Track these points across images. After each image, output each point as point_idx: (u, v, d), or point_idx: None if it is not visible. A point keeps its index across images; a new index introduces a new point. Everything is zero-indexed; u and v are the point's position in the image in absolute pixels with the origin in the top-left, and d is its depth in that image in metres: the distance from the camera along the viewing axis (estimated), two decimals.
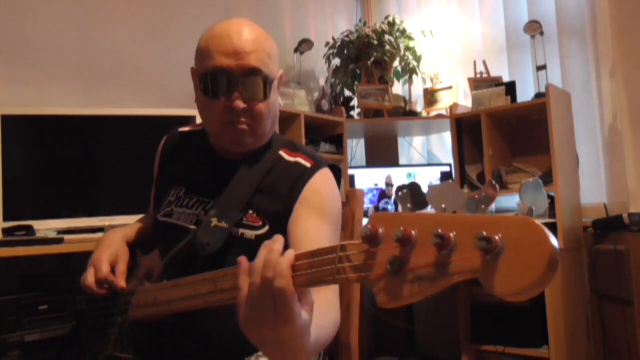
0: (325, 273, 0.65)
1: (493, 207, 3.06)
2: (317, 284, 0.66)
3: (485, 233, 0.49)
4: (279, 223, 1.06)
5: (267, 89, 1.06)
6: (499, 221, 0.49)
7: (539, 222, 0.48)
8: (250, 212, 1.07)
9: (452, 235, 0.51)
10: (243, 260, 0.72)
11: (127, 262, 1.14)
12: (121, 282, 1.08)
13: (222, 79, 1.03)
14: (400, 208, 0.61)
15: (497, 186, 0.56)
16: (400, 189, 0.61)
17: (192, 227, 1.09)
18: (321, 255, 0.66)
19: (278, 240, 0.71)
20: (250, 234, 1.05)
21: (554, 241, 0.47)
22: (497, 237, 0.49)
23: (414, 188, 0.60)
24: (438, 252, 0.52)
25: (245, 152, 1.12)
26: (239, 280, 0.70)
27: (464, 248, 0.51)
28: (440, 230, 0.51)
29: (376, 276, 0.58)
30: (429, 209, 0.59)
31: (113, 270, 1.10)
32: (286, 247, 1.02)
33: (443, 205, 0.56)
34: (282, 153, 1.15)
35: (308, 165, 1.11)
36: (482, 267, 0.49)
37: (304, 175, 1.09)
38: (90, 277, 1.07)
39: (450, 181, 0.58)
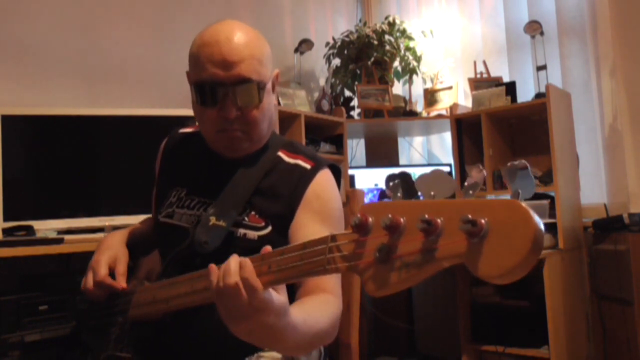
0: (315, 264, 0.66)
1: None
2: (308, 274, 0.67)
3: (470, 216, 0.49)
4: (281, 224, 1.07)
5: (260, 95, 1.05)
6: (485, 204, 0.49)
7: (524, 204, 0.47)
8: (253, 212, 1.07)
9: (439, 220, 0.51)
10: (213, 266, 0.76)
11: (127, 263, 1.15)
12: (121, 282, 1.09)
13: (214, 89, 1.03)
14: (391, 197, 0.61)
15: (483, 170, 0.56)
16: (391, 178, 0.62)
17: (193, 228, 1.09)
18: (312, 246, 0.67)
19: (233, 256, 0.75)
20: (252, 234, 1.06)
21: (539, 223, 0.47)
22: (482, 220, 0.49)
23: (404, 178, 0.60)
24: (425, 237, 0.52)
25: (243, 155, 1.13)
26: (211, 285, 0.75)
27: (451, 233, 0.51)
28: (426, 216, 0.51)
29: (365, 264, 0.58)
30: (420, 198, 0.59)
31: (112, 272, 1.11)
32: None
33: (432, 193, 0.56)
34: (281, 154, 1.15)
35: (308, 166, 1.12)
36: (467, 251, 0.49)
37: (304, 177, 1.10)
38: (89, 281, 1.09)
39: (439, 168, 0.59)
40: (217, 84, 1.02)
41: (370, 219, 0.58)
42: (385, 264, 0.55)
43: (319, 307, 0.92)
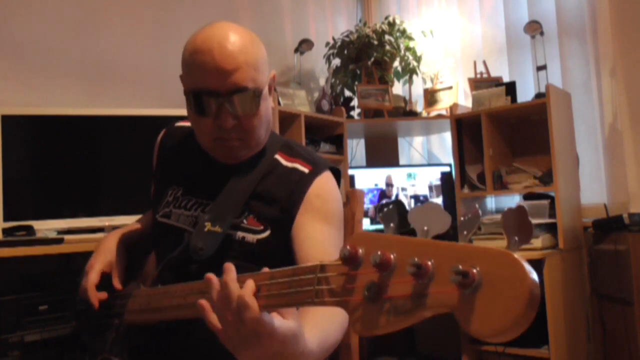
0: (304, 295, 0.64)
1: (493, 206, 3.06)
2: (297, 304, 0.65)
3: (461, 267, 0.47)
4: (279, 228, 1.06)
5: (256, 102, 1.02)
6: (478, 253, 0.48)
7: (518, 256, 0.46)
8: (252, 216, 1.06)
9: (429, 263, 0.50)
10: (204, 303, 0.72)
11: (124, 264, 1.15)
12: (117, 285, 1.10)
13: (208, 99, 1.00)
14: (384, 226, 0.60)
15: (480, 211, 0.55)
16: (384, 206, 0.60)
17: (190, 229, 1.08)
18: (301, 274, 0.65)
19: (229, 271, 0.71)
20: (251, 237, 1.05)
21: (534, 276, 0.45)
22: (474, 271, 0.47)
23: (398, 206, 0.59)
24: (415, 281, 0.51)
25: (240, 161, 1.11)
26: (209, 318, 0.71)
27: (442, 279, 0.49)
28: (416, 259, 0.50)
29: (354, 303, 0.57)
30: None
31: (108, 276, 1.11)
32: (289, 253, 1.01)
33: (425, 228, 0.55)
34: (278, 157, 1.14)
35: (306, 170, 1.10)
36: (458, 303, 0.48)
37: (302, 181, 1.08)
38: (82, 285, 1.09)
39: (434, 202, 0.58)
40: (212, 93, 0.99)
41: (360, 251, 0.56)
42: (374, 303, 0.54)
43: (331, 318, 0.88)
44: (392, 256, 0.53)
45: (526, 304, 0.44)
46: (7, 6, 2.29)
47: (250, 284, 0.69)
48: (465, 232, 0.54)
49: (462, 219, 0.55)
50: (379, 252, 0.53)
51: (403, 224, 0.58)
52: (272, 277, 0.69)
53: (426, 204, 0.57)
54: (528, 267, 0.45)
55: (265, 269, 0.72)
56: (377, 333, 0.53)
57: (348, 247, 0.57)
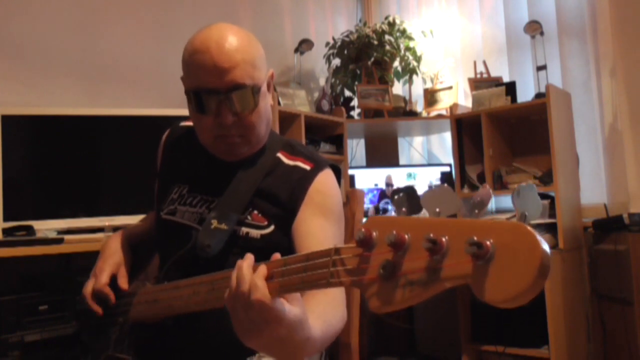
0: (319, 276, 0.65)
1: (493, 206, 3.07)
2: (311, 287, 0.67)
3: (476, 238, 0.48)
4: (282, 224, 1.07)
5: (255, 99, 1.04)
6: (491, 226, 0.49)
7: (530, 227, 0.47)
8: (255, 211, 1.08)
9: (443, 239, 0.51)
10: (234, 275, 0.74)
11: (130, 264, 1.16)
12: (123, 285, 1.10)
13: (208, 98, 1.02)
14: (395, 211, 0.61)
15: (490, 190, 0.55)
16: (396, 192, 0.61)
17: (196, 225, 1.09)
18: (315, 258, 0.66)
19: (247, 257, 0.74)
20: (255, 232, 1.06)
21: (545, 247, 0.47)
22: (488, 242, 0.48)
23: (409, 192, 0.60)
24: (430, 256, 0.52)
25: (241, 159, 1.13)
26: (226, 301, 0.73)
27: (456, 253, 0.51)
28: (432, 235, 0.51)
29: (368, 280, 0.58)
30: (424, 213, 0.59)
31: (114, 277, 1.11)
32: (290, 247, 1.03)
33: (437, 209, 0.56)
34: (280, 156, 1.15)
35: (307, 167, 1.12)
36: (472, 273, 0.49)
37: (305, 178, 1.10)
38: (88, 287, 1.10)
39: (445, 185, 0.58)
40: (212, 91, 1.01)
41: (374, 234, 0.58)
42: (390, 281, 0.55)
43: (332, 310, 0.91)
44: (406, 236, 0.54)
45: (537, 272, 0.46)
46: (7, 6, 2.29)
47: (262, 268, 0.72)
48: (476, 211, 0.55)
49: (472, 199, 0.56)
50: (394, 232, 0.54)
51: (414, 208, 0.59)
52: (286, 264, 0.70)
53: (438, 186, 0.58)
54: (539, 238, 0.47)
55: (277, 255, 0.73)
56: (393, 308, 0.55)
57: (363, 229, 0.58)
